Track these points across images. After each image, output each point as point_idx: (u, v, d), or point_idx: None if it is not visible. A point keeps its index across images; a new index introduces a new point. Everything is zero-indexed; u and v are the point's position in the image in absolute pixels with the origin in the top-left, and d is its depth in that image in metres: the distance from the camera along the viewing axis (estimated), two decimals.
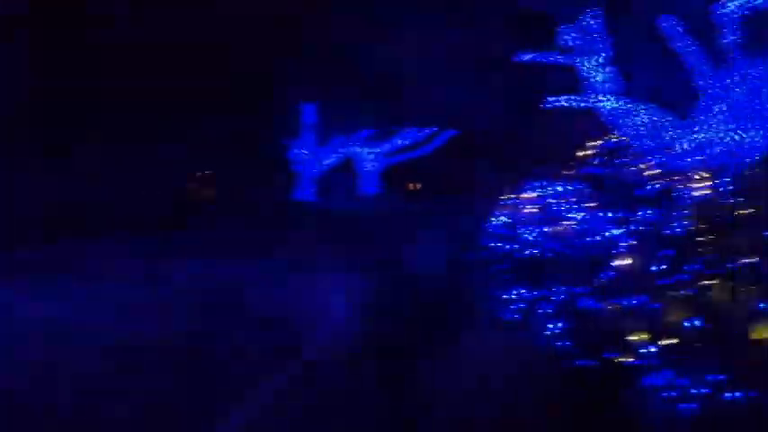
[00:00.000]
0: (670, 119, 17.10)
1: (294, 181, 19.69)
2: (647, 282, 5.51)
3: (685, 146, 16.96)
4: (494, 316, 6.17)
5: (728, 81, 16.38)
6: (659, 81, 19.13)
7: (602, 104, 16.97)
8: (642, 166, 7.41)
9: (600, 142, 8.18)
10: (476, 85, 18.94)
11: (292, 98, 20.83)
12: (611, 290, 5.69)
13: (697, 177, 6.74)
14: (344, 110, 20.42)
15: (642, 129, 17.13)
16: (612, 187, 7.01)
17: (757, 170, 7.06)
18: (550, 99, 17.35)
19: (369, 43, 19.64)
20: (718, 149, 17.44)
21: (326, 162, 20.39)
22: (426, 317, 6.34)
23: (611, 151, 7.90)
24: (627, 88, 17.38)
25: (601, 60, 16.73)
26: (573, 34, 16.74)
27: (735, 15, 15.45)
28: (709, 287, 5.08)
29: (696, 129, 17.08)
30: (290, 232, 11.37)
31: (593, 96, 16.83)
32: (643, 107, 17.04)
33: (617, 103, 16.73)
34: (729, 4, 15.11)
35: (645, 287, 5.48)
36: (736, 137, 16.82)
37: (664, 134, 17.22)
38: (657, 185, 6.73)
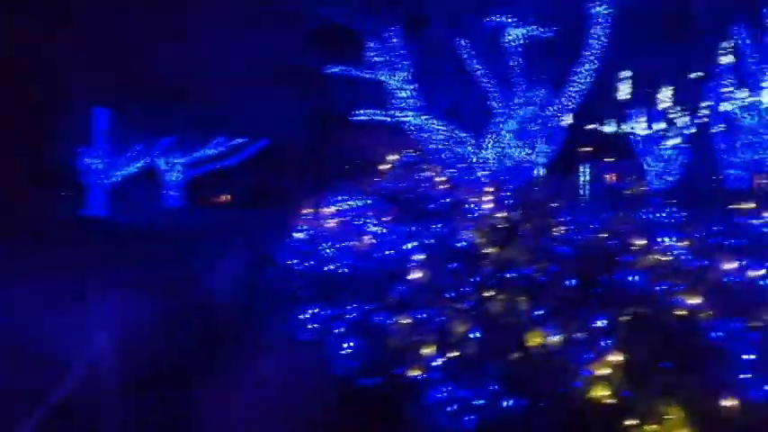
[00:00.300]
0: (465, 135, 18.42)
1: (83, 194, 17.80)
2: (436, 295, 5.61)
3: (478, 160, 18.38)
4: (288, 337, 5.91)
5: (515, 102, 18.12)
6: (458, 99, 20.57)
7: (405, 120, 17.81)
8: (437, 180, 7.65)
9: (398, 156, 8.35)
10: (285, 96, 18.84)
11: (81, 102, 18.85)
12: (403, 304, 5.72)
13: (485, 191, 7.12)
14: (144, 116, 18.97)
15: (441, 144, 18.26)
16: (407, 201, 7.14)
17: (536, 185, 7.68)
18: (357, 113, 17.82)
19: (172, 45, 18.50)
20: (508, 163, 19.16)
21: (122, 173, 18.75)
22: (213, 339, 5.91)
23: (408, 165, 8.08)
24: (428, 105, 18.41)
25: (404, 77, 17.56)
26: (378, 50, 17.37)
27: (518, 43, 17.18)
28: (489, 298, 5.29)
29: (488, 145, 18.61)
30: (69, 251, 10.10)
31: (397, 112, 17.60)
32: (443, 123, 18.18)
33: (419, 119, 17.66)
34: (512, 33, 16.76)
35: (434, 300, 5.59)
36: (523, 153, 18.61)
37: (461, 150, 18.51)
38: (448, 200, 6.97)
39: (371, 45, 16.72)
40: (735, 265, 5.52)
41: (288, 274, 6.74)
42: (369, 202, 7.28)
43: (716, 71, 23.09)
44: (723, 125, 23.64)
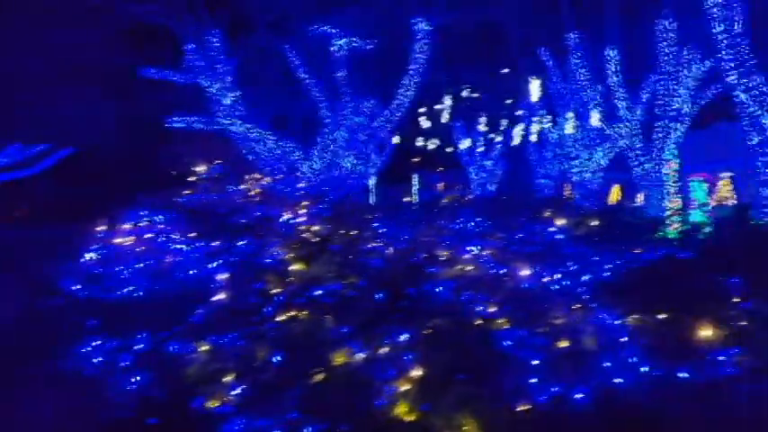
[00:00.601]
0: (292, 145, 18.17)
1: None
2: (240, 317, 5.24)
3: (307, 170, 18.22)
4: (67, 374, 5.16)
5: (344, 112, 18.24)
6: (286, 108, 20.27)
7: (229, 128, 17.14)
8: (249, 192, 7.25)
9: (207, 167, 7.81)
10: (94, 100, 17.21)
11: None
12: (203, 329, 5.26)
13: (298, 204, 6.87)
14: None
15: (267, 154, 17.85)
16: (213, 216, 6.66)
17: (350, 199, 7.60)
18: (173, 119, 16.80)
19: None
20: (336, 173, 19.18)
21: None
22: None
23: (219, 176, 7.59)
24: (254, 113, 17.89)
25: (227, 83, 16.91)
26: (199, 54, 16.54)
27: (343, 53, 17.32)
28: (293, 318, 5.03)
29: (317, 155, 18.52)
30: None
31: (222, 119, 16.88)
32: (269, 132, 17.77)
33: (243, 127, 17.10)
34: (338, 42, 16.87)
35: (238, 323, 5.20)
36: (350, 163, 18.76)
37: (288, 159, 18.21)
38: (258, 213, 6.62)
39: (191, 48, 15.88)
40: (529, 271, 5.80)
41: (70, 301, 5.95)
42: (170, 216, 6.68)
43: (528, 89, 25.26)
44: (535, 138, 25.95)
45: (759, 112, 12.38)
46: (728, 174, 21.76)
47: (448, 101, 28.91)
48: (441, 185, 35.48)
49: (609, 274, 5.55)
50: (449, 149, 30.78)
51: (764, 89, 12.18)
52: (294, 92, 17.84)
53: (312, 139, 17.88)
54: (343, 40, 15.77)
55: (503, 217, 7.24)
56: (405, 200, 29.62)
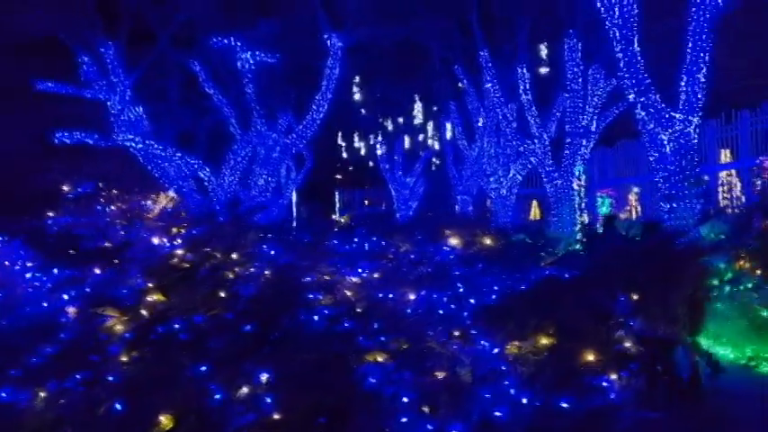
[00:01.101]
0: (196, 161, 17.34)
1: None
2: (83, 358, 4.58)
3: (216, 189, 17.42)
4: None
5: (252, 132, 17.62)
6: (194, 125, 19.44)
7: (129, 145, 16.16)
8: (118, 215, 6.56)
9: (72, 188, 7.05)
10: None
11: None
12: (42, 373, 4.56)
13: (171, 227, 6.25)
14: None
15: (173, 172, 16.97)
16: (68, 240, 5.94)
17: (239, 220, 7.02)
18: (63, 135, 15.65)
19: None
20: (255, 192, 18.45)
21: None
22: None
23: (87, 197, 6.86)
24: (159, 130, 16.99)
25: (125, 97, 15.96)
26: (95, 68, 15.55)
27: (249, 66, 16.74)
28: (141, 357, 4.42)
29: (227, 172, 17.77)
30: None
31: (121, 135, 15.89)
32: (176, 151, 16.90)
33: (143, 144, 16.17)
34: (243, 56, 16.29)
35: (80, 365, 4.54)
36: (264, 180, 18.09)
37: (200, 179, 17.37)
38: (121, 237, 5.95)
39: (87, 61, 14.84)
40: (413, 296, 5.43)
41: None
42: (20, 242, 5.91)
43: (447, 107, 25.42)
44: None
45: (657, 129, 12.68)
46: (636, 189, 22.49)
47: (371, 117, 28.78)
48: (366, 202, 35.27)
49: (495, 296, 5.24)
50: (371, 166, 30.61)
51: (661, 106, 12.48)
52: (203, 107, 17.07)
53: (221, 156, 17.15)
54: (248, 53, 15.20)
55: (399, 236, 6.86)
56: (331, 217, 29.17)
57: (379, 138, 29.51)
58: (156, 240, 5.91)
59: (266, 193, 16.91)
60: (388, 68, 26.03)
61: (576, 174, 17.47)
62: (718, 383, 7.08)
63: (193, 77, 16.21)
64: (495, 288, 5.53)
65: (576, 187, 17.33)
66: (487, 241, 6.48)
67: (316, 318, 5.06)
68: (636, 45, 12.45)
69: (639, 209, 21.81)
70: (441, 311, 5.29)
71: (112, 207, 6.69)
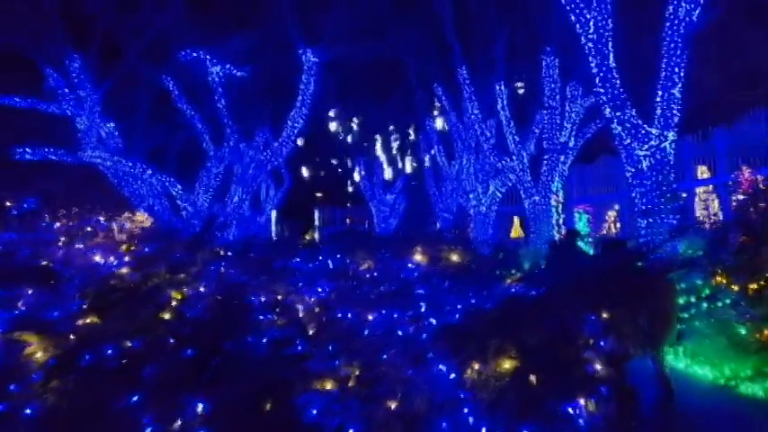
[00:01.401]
0: (166, 177, 16.87)
1: None
2: (7, 385, 4.15)
3: (188, 207, 16.95)
4: None
5: (226, 148, 17.23)
6: (166, 141, 19.00)
7: (97, 162, 15.67)
8: (61, 233, 6.14)
9: (14, 203, 6.62)
10: None
11: None
12: None
13: (120, 245, 5.84)
14: None
15: (145, 190, 16.50)
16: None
17: (202, 236, 6.64)
18: (25, 151, 15.12)
19: None
20: (229, 209, 17.98)
21: None
22: None
23: (30, 214, 6.43)
24: (130, 146, 16.53)
25: (94, 113, 15.49)
26: (62, 82, 15.09)
27: (221, 81, 16.41)
28: (64, 387, 4.00)
29: (200, 189, 17.33)
30: None
31: (89, 152, 15.40)
32: (146, 168, 16.43)
33: (111, 161, 15.68)
34: (213, 69, 15.96)
35: (3, 394, 4.11)
36: (239, 198, 17.68)
37: (168, 194, 16.90)
38: (60, 256, 5.53)
39: (53, 75, 14.38)
40: (371, 316, 5.07)
41: None
42: None
43: (425, 125, 25.25)
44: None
45: (633, 145, 12.51)
46: (616, 206, 22.35)
47: (349, 135, 28.55)
48: (348, 220, 34.86)
49: (458, 316, 4.89)
50: (351, 185, 30.34)
51: (636, 122, 12.33)
52: (175, 123, 16.66)
53: (194, 173, 16.73)
54: (218, 67, 14.85)
55: (362, 253, 6.50)
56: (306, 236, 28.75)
57: (359, 156, 29.26)
58: (98, 259, 5.51)
59: (240, 211, 16.48)
60: (366, 85, 25.87)
61: (554, 190, 17.26)
62: (696, 405, 6.77)
63: (165, 93, 15.83)
64: (459, 307, 5.19)
65: (554, 203, 17.11)
66: (454, 257, 6.14)
67: (264, 341, 4.68)
68: (611, 60, 12.32)
69: (618, 225, 21.66)
70: (400, 332, 4.93)
71: (57, 224, 6.27)
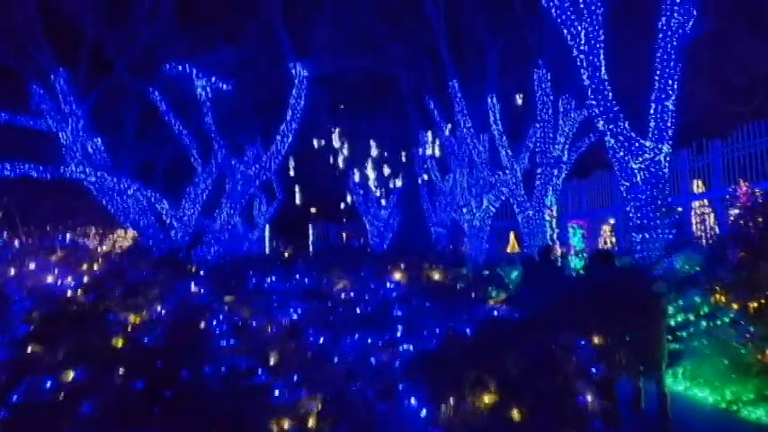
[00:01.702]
0: (156, 194, 16.45)
1: None
2: None
3: (175, 223, 16.54)
4: None
5: (213, 163, 16.85)
6: (152, 156, 18.61)
7: (81, 178, 15.24)
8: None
9: None
10: None
11: None
12: None
13: (84, 266, 5.43)
14: None
15: (132, 206, 16.08)
16: None
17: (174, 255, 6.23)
18: (5, 167, 14.71)
19: None
20: (218, 226, 17.56)
21: None
22: None
23: None
24: (116, 162, 16.14)
25: (77, 127, 15.11)
26: (46, 94, 14.71)
27: (208, 95, 16.07)
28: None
29: (187, 205, 16.92)
30: None
31: (72, 168, 15.00)
32: (130, 183, 16.02)
33: (95, 176, 15.25)
34: (199, 83, 15.62)
35: None
36: (227, 214, 17.26)
37: (155, 211, 16.48)
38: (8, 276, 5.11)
39: (38, 90, 14.01)
40: (344, 341, 4.63)
41: None
42: None
43: (419, 138, 24.90)
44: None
45: (627, 158, 12.14)
46: (611, 220, 21.97)
47: (343, 149, 28.16)
48: (345, 235, 34.41)
49: (435, 341, 4.46)
50: (345, 199, 29.85)
51: (630, 134, 11.97)
52: (162, 137, 16.28)
53: (181, 189, 16.31)
54: (204, 80, 14.50)
55: (338, 271, 6.08)
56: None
57: (352, 171, 28.91)
58: (52, 280, 5.08)
59: (228, 226, 16.06)
60: (360, 99, 25.61)
61: (548, 204, 16.88)
62: (696, 430, 6.36)
63: (152, 107, 15.46)
64: (437, 331, 4.77)
65: (548, 218, 16.72)
66: (436, 276, 5.73)
67: (223, 369, 4.25)
68: (603, 72, 12.00)
69: (613, 240, 21.26)
70: (372, 359, 4.50)
71: (17, 241, 5.84)
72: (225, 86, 14.96)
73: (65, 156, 14.11)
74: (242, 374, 4.19)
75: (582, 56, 12.17)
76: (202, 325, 4.67)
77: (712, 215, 17.47)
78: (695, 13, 11.46)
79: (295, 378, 4.19)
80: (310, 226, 30.74)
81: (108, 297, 4.73)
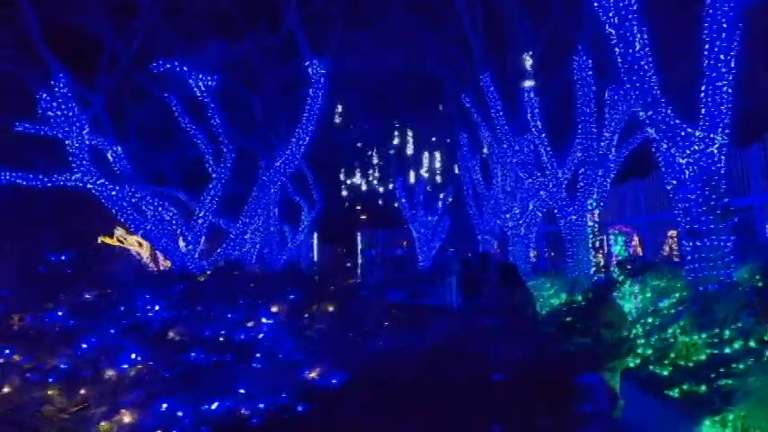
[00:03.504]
0: (163, 202, 15.37)
1: None
2: None
3: (187, 233, 15.41)
4: None
5: (223, 168, 15.64)
6: (164, 163, 17.71)
7: (88, 185, 14.36)
8: None
9: None
10: None
11: None
12: None
13: None
14: None
15: (150, 213, 15.12)
16: None
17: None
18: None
19: None
20: (234, 234, 16.32)
21: None
22: None
23: None
24: (128, 168, 15.24)
25: (83, 134, 14.26)
26: (53, 103, 13.98)
27: (208, 94, 14.86)
28: None
29: (201, 213, 15.78)
30: None
31: (77, 175, 14.17)
32: (138, 192, 15.02)
33: (101, 183, 14.31)
34: (199, 82, 14.46)
35: None
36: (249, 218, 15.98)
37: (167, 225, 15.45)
38: None
39: (48, 96, 13.23)
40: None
41: None
42: None
43: (461, 140, 22.89)
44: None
45: (672, 150, 9.74)
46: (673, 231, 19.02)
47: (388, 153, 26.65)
48: (405, 243, 32.77)
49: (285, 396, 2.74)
50: (393, 206, 28.24)
51: (674, 122, 9.55)
52: (175, 143, 15.25)
53: (198, 195, 15.18)
54: (206, 80, 13.29)
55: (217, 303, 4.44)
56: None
57: (400, 176, 27.29)
58: None
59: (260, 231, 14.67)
60: (407, 102, 23.98)
61: (590, 207, 14.49)
62: None
63: (165, 112, 14.48)
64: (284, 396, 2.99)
65: (590, 223, 14.33)
66: (330, 308, 3.98)
67: None
68: (638, 47, 9.65)
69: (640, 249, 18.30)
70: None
71: None
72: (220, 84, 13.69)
73: (71, 163, 13.26)
74: None
75: (613, 30, 9.89)
76: None
77: None
78: None
79: None
80: (358, 233, 29.29)
81: None
